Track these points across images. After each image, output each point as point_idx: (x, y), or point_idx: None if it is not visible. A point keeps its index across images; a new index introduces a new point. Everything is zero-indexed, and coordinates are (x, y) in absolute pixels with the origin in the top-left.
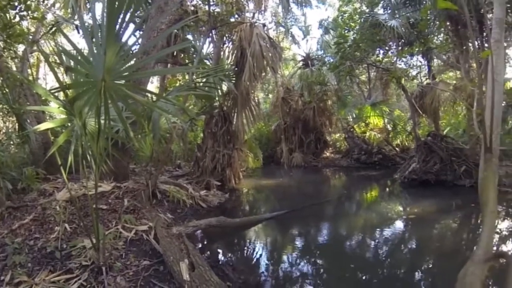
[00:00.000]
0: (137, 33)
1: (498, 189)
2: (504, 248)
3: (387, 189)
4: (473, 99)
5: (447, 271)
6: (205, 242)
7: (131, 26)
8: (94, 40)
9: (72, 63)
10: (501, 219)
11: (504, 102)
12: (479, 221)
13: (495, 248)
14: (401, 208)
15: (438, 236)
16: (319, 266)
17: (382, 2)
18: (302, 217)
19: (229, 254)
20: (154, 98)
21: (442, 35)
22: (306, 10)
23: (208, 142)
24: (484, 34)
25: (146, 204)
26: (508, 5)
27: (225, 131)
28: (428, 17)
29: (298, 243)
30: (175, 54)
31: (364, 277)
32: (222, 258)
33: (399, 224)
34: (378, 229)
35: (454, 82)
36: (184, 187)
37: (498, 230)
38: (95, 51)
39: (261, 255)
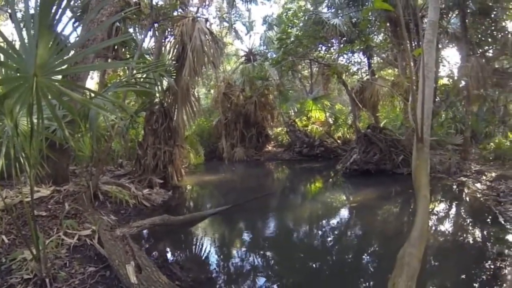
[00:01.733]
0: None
1: (433, 175)
2: (441, 228)
3: (330, 180)
4: (409, 94)
5: (389, 252)
6: (151, 242)
7: (70, 17)
8: (26, 30)
9: (1, 56)
10: (437, 202)
11: (438, 98)
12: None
13: (433, 229)
14: (344, 197)
15: (380, 221)
16: (268, 259)
17: (326, 1)
18: (247, 210)
19: (176, 253)
20: (93, 95)
21: (382, 35)
22: (251, 6)
23: (149, 139)
24: (422, 35)
25: (88, 207)
26: (444, 11)
27: (166, 127)
28: (369, 18)
29: (245, 237)
30: (115, 48)
31: (313, 265)
32: (170, 257)
33: (343, 212)
34: (323, 219)
35: (392, 78)
36: (127, 187)
37: (435, 212)
38: (27, 43)
39: (208, 251)
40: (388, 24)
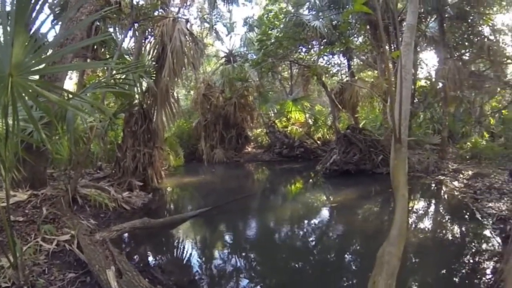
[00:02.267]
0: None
1: (412, 174)
2: (421, 225)
3: (310, 180)
4: (388, 95)
5: (370, 251)
6: (132, 246)
7: (48, 14)
8: (1, 28)
9: None
10: (417, 200)
11: (416, 99)
12: None
13: (413, 226)
14: (324, 198)
15: (361, 220)
16: (249, 260)
17: (307, 3)
18: (227, 212)
19: (158, 256)
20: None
21: (362, 37)
22: (232, 7)
23: (128, 141)
24: (401, 38)
25: (66, 211)
26: (423, 15)
27: (145, 129)
28: (350, 20)
29: (226, 238)
30: (95, 48)
31: (296, 265)
32: (151, 261)
33: (324, 213)
34: (304, 219)
35: (372, 80)
36: (106, 190)
37: (415, 210)
38: (2, 42)
39: (189, 253)
40: (368, 27)
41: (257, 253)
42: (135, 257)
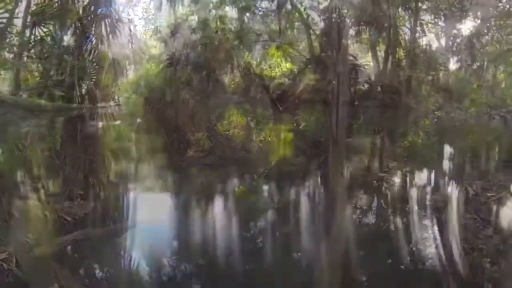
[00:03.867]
0: None
1: (353, 173)
2: (365, 219)
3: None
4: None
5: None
6: (75, 260)
7: None
8: None
9: None
10: (359, 197)
11: (356, 102)
12: None
13: (358, 221)
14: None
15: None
16: (205, 264)
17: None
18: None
19: (104, 269)
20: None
21: None
22: (178, 9)
23: (67, 147)
24: None
25: (1, 227)
26: None
27: (86, 134)
28: None
29: (174, 243)
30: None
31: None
32: (97, 274)
33: (269, 213)
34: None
35: (314, 83)
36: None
37: (358, 206)
38: None
39: (138, 263)
40: None
41: (215, 256)
42: (80, 271)
